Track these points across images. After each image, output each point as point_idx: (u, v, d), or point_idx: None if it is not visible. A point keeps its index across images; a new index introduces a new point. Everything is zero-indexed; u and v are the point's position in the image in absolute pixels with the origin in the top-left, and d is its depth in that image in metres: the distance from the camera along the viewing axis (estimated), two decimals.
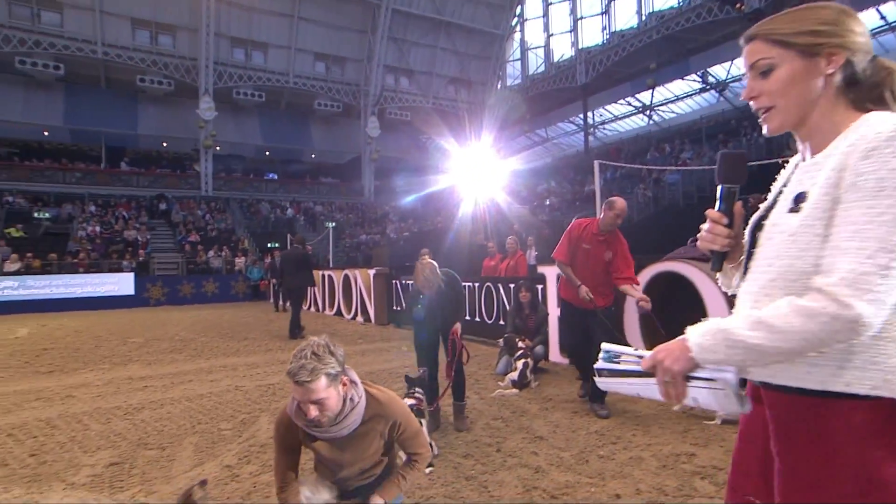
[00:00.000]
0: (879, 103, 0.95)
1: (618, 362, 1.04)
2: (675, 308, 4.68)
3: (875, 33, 18.42)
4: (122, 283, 16.95)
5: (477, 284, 7.39)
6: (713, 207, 1.08)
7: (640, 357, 1.01)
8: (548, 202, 19.77)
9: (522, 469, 3.00)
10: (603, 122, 31.21)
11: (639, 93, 27.61)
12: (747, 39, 1.01)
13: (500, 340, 5.35)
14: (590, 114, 27.87)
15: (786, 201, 0.98)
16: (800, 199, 0.93)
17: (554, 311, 5.32)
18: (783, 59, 0.96)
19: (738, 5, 17.45)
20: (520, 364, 4.74)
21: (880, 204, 0.81)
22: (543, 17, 28.28)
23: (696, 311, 4.37)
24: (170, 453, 3.37)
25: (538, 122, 32.11)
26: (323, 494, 1.78)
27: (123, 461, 3.24)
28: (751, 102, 1.01)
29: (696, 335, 0.94)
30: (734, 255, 1.11)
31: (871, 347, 0.86)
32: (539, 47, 29.04)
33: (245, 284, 18.97)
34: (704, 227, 1.09)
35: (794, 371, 0.92)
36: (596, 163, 6.28)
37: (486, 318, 7.32)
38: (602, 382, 1.07)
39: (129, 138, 25.96)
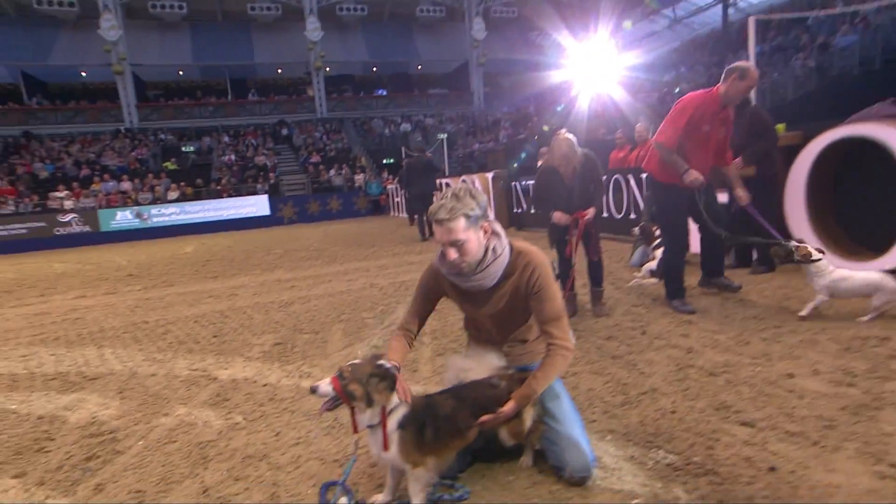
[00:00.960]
0: None
1: None
2: (856, 188, 3.90)
3: None
4: (259, 205, 18.73)
5: (605, 178, 6.89)
6: None
7: None
8: (678, 90, 17.68)
9: (672, 350, 2.81)
10: None
11: None
12: None
13: (636, 230, 5.00)
14: None
15: None
16: None
17: None
18: None
19: None
20: (658, 253, 4.39)
21: None
22: None
23: (891, 186, 3.61)
24: (322, 336, 3.68)
25: (664, 1, 28.04)
26: (487, 361, 1.73)
27: (285, 342, 3.61)
28: None
29: None
30: None
31: None
32: None
33: (366, 200, 19.93)
34: None
35: None
36: (751, 19, 5.13)
37: (614, 212, 6.89)
38: None
39: (248, 69, 27.45)
